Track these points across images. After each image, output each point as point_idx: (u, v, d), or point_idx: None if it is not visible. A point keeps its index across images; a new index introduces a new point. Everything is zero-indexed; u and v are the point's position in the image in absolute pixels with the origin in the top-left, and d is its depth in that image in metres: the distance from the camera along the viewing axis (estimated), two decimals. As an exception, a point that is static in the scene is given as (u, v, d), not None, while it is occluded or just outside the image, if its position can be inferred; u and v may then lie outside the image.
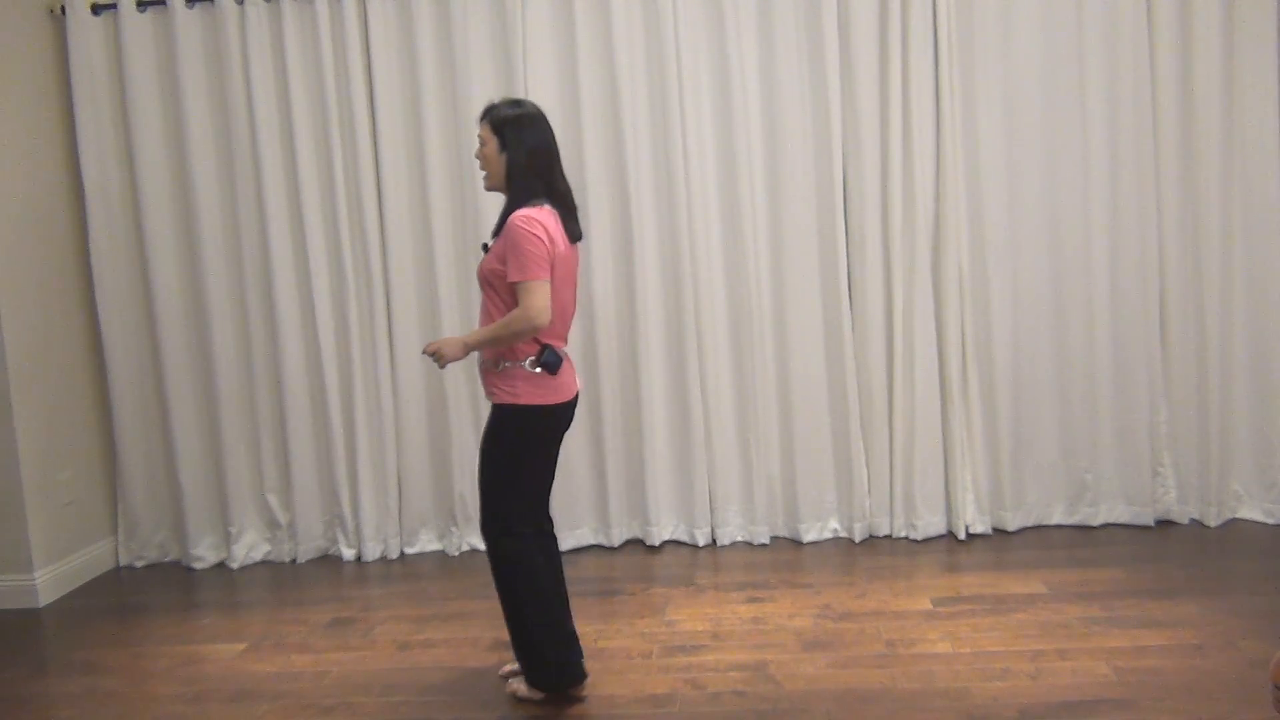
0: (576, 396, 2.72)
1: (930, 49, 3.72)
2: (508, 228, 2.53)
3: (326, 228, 3.99)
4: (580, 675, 2.73)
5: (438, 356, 2.61)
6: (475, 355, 2.80)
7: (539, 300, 2.47)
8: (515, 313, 2.50)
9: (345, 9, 3.85)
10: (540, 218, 2.53)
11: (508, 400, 2.60)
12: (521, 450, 2.63)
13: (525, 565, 2.66)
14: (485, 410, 4.00)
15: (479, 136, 2.64)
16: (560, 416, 2.67)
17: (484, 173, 2.67)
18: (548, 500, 2.79)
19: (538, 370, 2.59)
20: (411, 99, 3.92)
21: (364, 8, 3.88)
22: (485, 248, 2.65)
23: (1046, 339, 3.85)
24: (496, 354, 2.62)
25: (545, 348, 2.60)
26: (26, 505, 3.73)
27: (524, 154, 2.58)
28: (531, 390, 2.59)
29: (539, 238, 2.49)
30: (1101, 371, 3.82)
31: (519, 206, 2.57)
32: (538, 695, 2.73)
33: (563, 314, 2.65)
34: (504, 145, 2.59)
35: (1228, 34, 3.66)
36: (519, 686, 2.77)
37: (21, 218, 3.80)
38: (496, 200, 3.89)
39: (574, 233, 2.66)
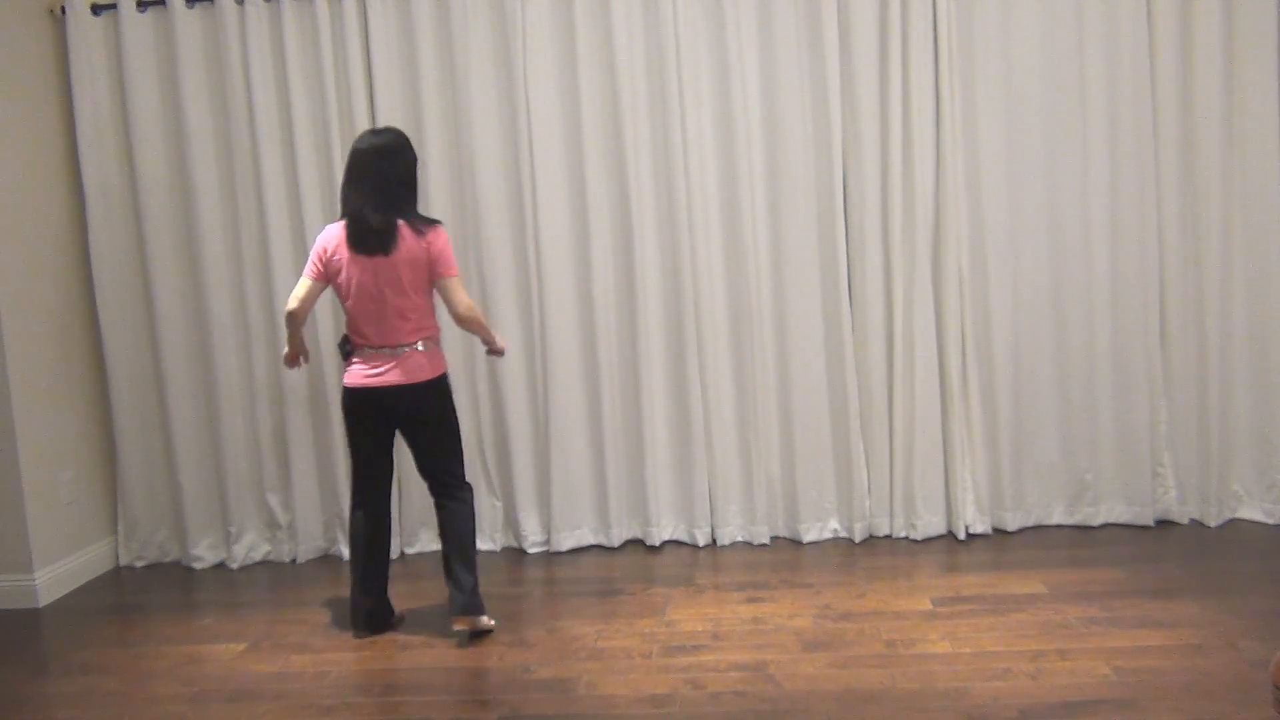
0: (371, 390, 3.11)
1: (930, 48, 3.72)
2: None
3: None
4: (355, 624, 3.27)
5: None
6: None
7: (295, 290, 3.15)
8: None
9: (345, 9, 3.85)
10: (327, 230, 3.15)
11: None
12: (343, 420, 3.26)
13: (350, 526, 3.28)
14: (484, 411, 4.03)
15: None
16: (347, 398, 3.17)
17: None
18: (360, 479, 3.24)
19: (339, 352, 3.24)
20: (411, 99, 3.92)
21: (364, 8, 3.88)
22: None
23: (1046, 339, 3.85)
24: None
25: (344, 337, 3.20)
26: (26, 505, 3.73)
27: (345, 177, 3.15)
28: (343, 370, 3.22)
29: (317, 247, 3.13)
30: (1101, 371, 3.82)
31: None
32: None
33: (350, 313, 3.12)
34: None
35: (1228, 34, 3.66)
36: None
37: (21, 218, 3.80)
38: (496, 200, 3.94)
39: (358, 247, 3.05)
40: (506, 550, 4.08)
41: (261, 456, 4.12)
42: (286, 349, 3.27)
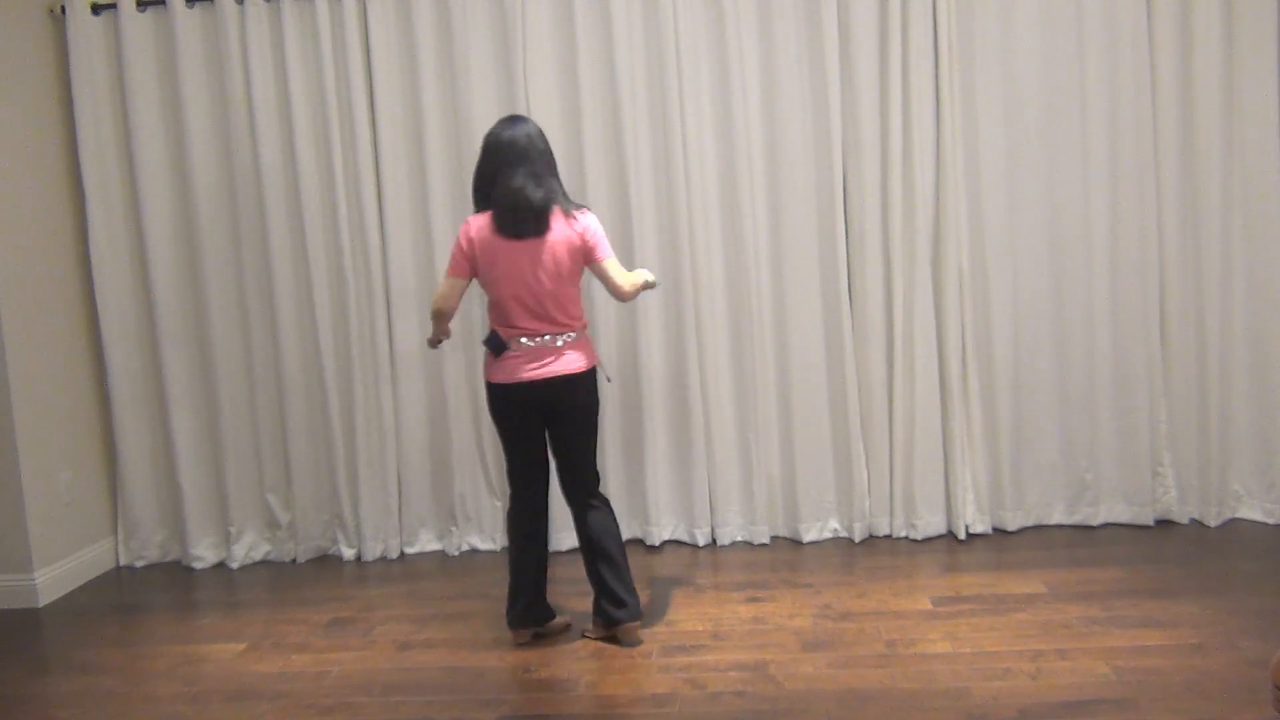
0: (531, 384, 2.99)
1: (930, 49, 3.72)
2: None
3: (326, 228, 3.99)
4: (519, 624, 3.15)
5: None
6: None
7: (439, 290, 3.05)
8: None
9: (345, 9, 3.85)
10: (468, 223, 3.01)
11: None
12: (493, 419, 3.12)
13: (507, 521, 3.21)
14: (484, 411, 4.02)
15: None
16: (501, 395, 3.03)
17: None
18: (522, 474, 3.13)
19: (486, 349, 3.06)
20: (411, 99, 3.92)
21: (364, 8, 3.88)
22: None
23: (1046, 339, 3.85)
24: None
25: (491, 332, 3.04)
26: (26, 505, 3.74)
27: (475, 173, 3.06)
28: (487, 368, 3.08)
29: (458, 241, 3.01)
30: (1101, 371, 3.82)
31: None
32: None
33: (500, 305, 3.01)
34: None
35: (1228, 34, 3.66)
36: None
37: (21, 218, 3.80)
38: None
39: (509, 231, 2.94)
40: (507, 550, 4.07)
41: (261, 456, 4.12)
42: (430, 336, 3.18)
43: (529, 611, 3.14)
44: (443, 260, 3.93)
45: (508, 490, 3.18)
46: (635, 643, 3.08)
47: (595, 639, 3.13)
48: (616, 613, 3.07)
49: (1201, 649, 2.80)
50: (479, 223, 2.98)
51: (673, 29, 3.77)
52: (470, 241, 2.97)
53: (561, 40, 3.86)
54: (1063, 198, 3.79)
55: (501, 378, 3.00)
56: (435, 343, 3.18)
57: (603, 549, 3.07)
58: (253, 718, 2.76)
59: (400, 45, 3.92)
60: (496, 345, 3.00)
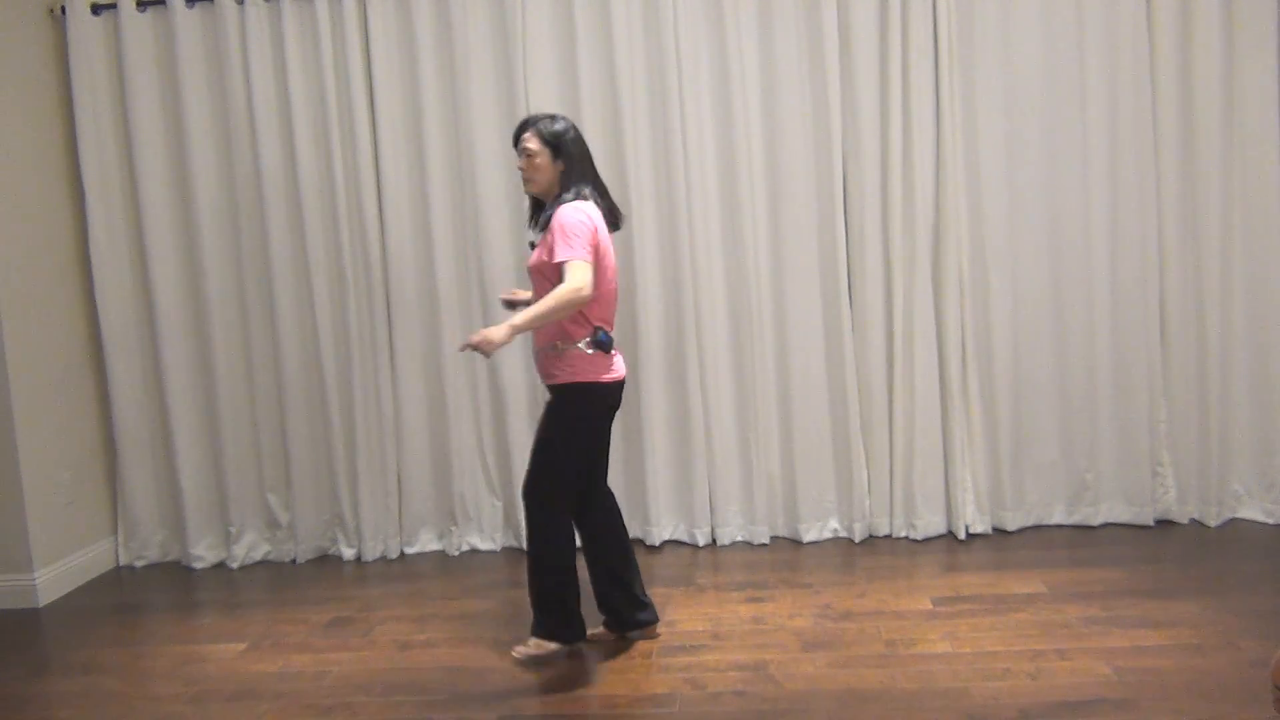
0: (624, 379, 2.99)
1: (930, 49, 3.72)
2: (557, 217, 2.81)
3: (326, 228, 3.99)
4: (579, 635, 3.02)
5: (483, 345, 2.69)
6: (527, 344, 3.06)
7: (583, 275, 2.73)
8: (561, 287, 2.71)
9: (345, 9, 3.85)
10: (586, 208, 2.85)
11: (567, 379, 2.87)
12: (576, 426, 2.91)
13: (553, 528, 2.91)
14: (485, 409, 4.02)
15: (526, 149, 2.91)
16: (614, 393, 2.95)
17: (528, 179, 2.95)
18: (603, 475, 3.07)
19: (591, 350, 2.87)
20: (411, 99, 3.92)
21: (364, 8, 3.88)
22: (532, 245, 2.95)
23: (1046, 339, 3.85)
24: (551, 339, 2.88)
25: (597, 328, 2.89)
26: (26, 505, 3.73)
27: (576, 160, 2.91)
28: (588, 369, 2.87)
29: (585, 223, 2.79)
30: (1101, 371, 3.82)
31: (566, 203, 2.87)
32: (547, 648, 2.96)
33: (607, 299, 2.92)
34: (557, 154, 2.90)
35: (1228, 34, 3.66)
36: (522, 648, 2.98)
37: (21, 218, 3.80)
38: (496, 200, 3.93)
39: (613, 223, 2.96)
40: (506, 550, 4.08)
41: (261, 456, 4.12)
42: (499, 339, 2.68)
43: (578, 614, 3.03)
44: (443, 259, 3.94)
45: (554, 500, 2.91)
46: (653, 636, 3.11)
47: (608, 641, 3.11)
48: (642, 615, 3.08)
49: (1201, 649, 2.80)
50: (596, 213, 2.87)
51: (673, 29, 3.77)
52: (597, 229, 2.84)
53: (561, 40, 3.86)
54: (1063, 198, 3.79)
55: (616, 374, 2.94)
56: (491, 351, 2.71)
57: (624, 551, 3.07)
58: (253, 718, 2.76)
59: (400, 45, 3.92)
60: (604, 342, 2.89)
